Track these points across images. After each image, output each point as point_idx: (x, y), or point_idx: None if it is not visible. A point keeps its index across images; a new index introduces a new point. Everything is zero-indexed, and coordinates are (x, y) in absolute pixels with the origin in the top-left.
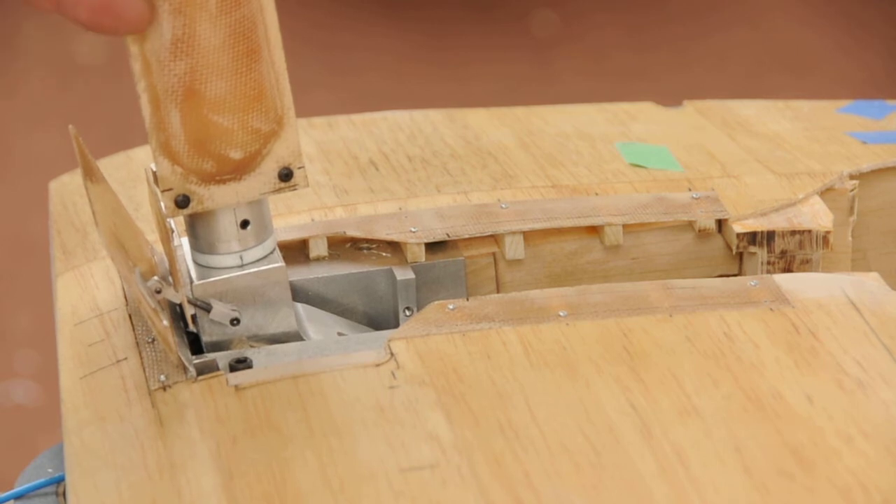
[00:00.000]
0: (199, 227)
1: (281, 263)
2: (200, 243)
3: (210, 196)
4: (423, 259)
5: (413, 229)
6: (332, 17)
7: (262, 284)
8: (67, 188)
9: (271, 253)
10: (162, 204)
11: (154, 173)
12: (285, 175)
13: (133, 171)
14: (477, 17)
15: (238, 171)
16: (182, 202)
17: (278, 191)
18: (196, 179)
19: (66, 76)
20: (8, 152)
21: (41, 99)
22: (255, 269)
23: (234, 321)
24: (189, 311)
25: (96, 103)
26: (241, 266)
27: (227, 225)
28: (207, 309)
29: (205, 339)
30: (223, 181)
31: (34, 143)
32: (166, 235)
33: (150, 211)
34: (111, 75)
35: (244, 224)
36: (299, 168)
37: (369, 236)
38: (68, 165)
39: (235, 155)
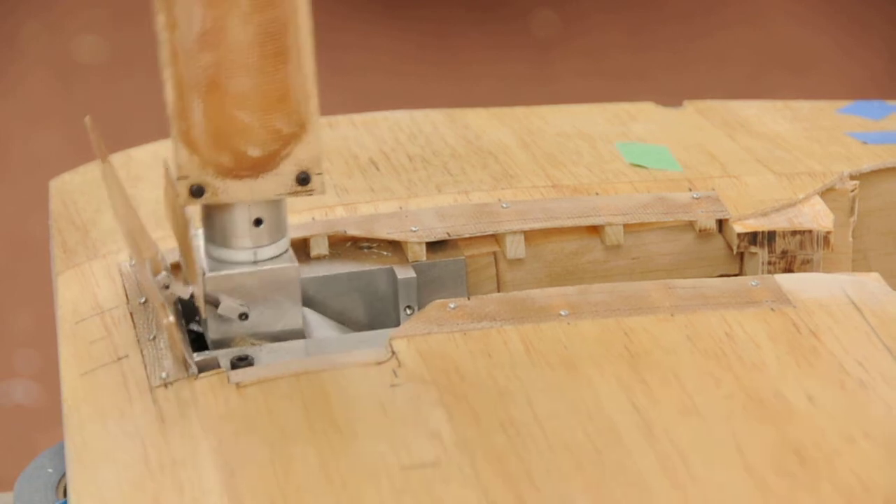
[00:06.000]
0: (215, 220)
1: (294, 263)
2: (216, 235)
3: (225, 189)
4: (424, 258)
5: (414, 228)
6: (332, 17)
7: (273, 282)
8: (68, 186)
9: (284, 252)
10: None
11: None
12: (303, 179)
13: (133, 171)
14: (477, 17)
15: (255, 168)
16: (197, 192)
17: (294, 194)
18: (213, 171)
19: (66, 76)
20: (8, 152)
21: (41, 99)
22: (268, 267)
23: (243, 316)
24: (200, 303)
25: (96, 103)
26: (254, 263)
27: (241, 221)
28: (216, 304)
29: (210, 336)
30: (240, 176)
31: (34, 142)
32: (184, 226)
33: (150, 210)
34: (111, 75)
35: (257, 222)
36: (318, 174)
37: (370, 235)
38: (68, 165)
39: (253, 152)
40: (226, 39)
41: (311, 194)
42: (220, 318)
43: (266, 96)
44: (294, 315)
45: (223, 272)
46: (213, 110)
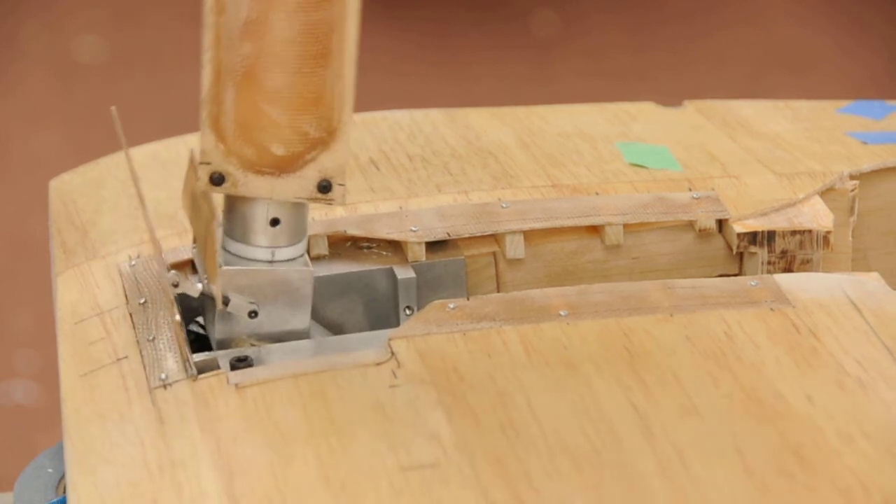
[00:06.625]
0: (236, 214)
1: (309, 268)
2: (235, 230)
3: (245, 183)
4: (424, 258)
5: (413, 228)
6: None
7: (286, 283)
8: (67, 187)
9: (301, 256)
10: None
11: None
12: (324, 187)
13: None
14: (477, 17)
15: (278, 167)
16: (217, 179)
17: (314, 200)
18: (236, 162)
19: (66, 76)
20: (8, 152)
21: (41, 99)
22: (283, 268)
23: (253, 314)
24: (218, 296)
25: (96, 103)
26: (271, 262)
27: (260, 218)
28: (225, 301)
29: (217, 336)
30: (261, 172)
31: (34, 142)
32: (208, 216)
33: (150, 210)
34: (111, 75)
35: (274, 222)
36: (340, 185)
37: (370, 235)
38: (68, 165)
39: (277, 150)
40: (269, 32)
41: (330, 203)
42: (228, 315)
43: (299, 96)
44: (302, 318)
45: (238, 267)
46: (244, 101)
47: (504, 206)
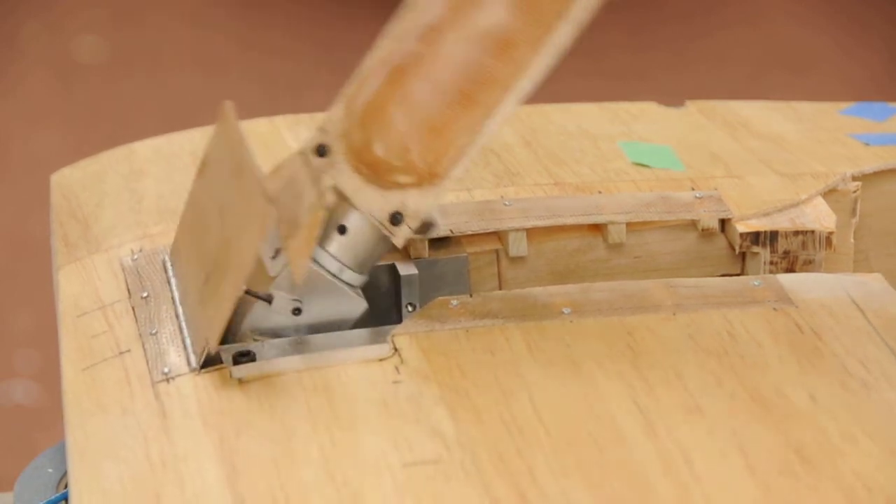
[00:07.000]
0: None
1: (365, 305)
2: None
3: (338, 170)
4: (427, 255)
5: None
6: (332, 16)
7: (339, 302)
8: (69, 180)
9: (359, 287)
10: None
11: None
12: (396, 220)
13: (135, 165)
14: None
15: (371, 169)
16: (321, 150)
17: (381, 223)
18: (345, 145)
19: (66, 76)
20: (8, 152)
21: (41, 98)
22: (344, 288)
23: (297, 311)
24: (300, 282)
25: (96, 103)
26: (336, 277)
27: (335, 221)
28: (269, 300)
29: (243, 328)
30: (357, 168)
31: (34, 142)
32: (315, 204)
33: (153, 205)
34: (111, 75)
35: (341, 229)
36: (409, 227)
37: None
38: (68, 164)
39: (378, 149)
40: (438, 45)
41: (389, 235)
42: (267, 309)
43: (425, 117)
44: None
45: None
46: (383, 90)
47: (507, 203)
